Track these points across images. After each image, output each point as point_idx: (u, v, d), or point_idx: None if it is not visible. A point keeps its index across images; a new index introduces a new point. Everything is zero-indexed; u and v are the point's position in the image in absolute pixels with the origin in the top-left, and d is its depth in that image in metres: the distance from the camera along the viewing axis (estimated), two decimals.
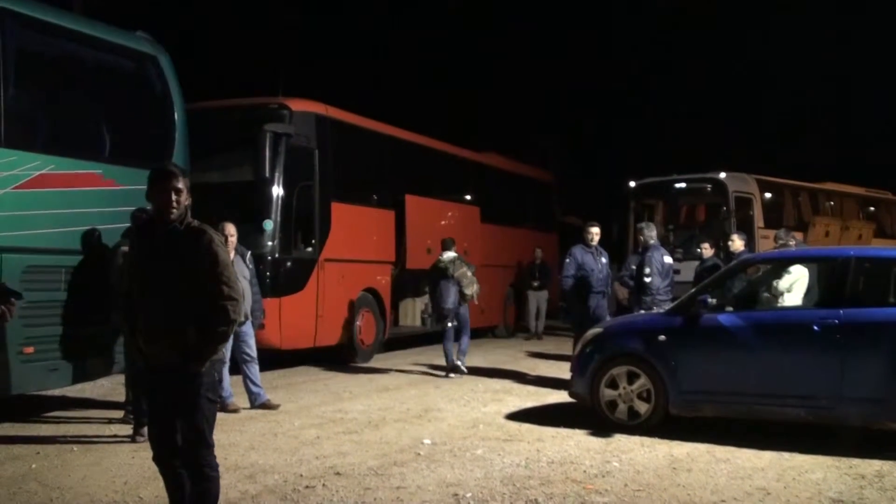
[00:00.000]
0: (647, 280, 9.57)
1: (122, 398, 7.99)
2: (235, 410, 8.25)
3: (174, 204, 3.95)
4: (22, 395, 7.72)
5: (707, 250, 12.09)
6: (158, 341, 3.98)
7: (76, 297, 7.64)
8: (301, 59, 22.83)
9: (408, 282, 14.48)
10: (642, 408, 7.49)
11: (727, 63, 30.77)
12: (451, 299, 11.19)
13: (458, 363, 11.34)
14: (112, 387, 9.51)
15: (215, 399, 4.15)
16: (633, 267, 10.51)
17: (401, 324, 14.81)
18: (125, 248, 7.32)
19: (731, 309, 7.63)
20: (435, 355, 13.76)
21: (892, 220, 21.75)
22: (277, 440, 7.10)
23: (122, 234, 7.66)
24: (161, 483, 5.67)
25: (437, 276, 11.31)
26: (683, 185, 17.61)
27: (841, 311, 6.85)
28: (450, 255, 11.34)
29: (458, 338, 11.50)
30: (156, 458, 4.15)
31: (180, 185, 3.97)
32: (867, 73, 30.14)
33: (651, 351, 7.50)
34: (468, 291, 11.28)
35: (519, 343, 16.30)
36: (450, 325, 11.36)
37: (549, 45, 30.98)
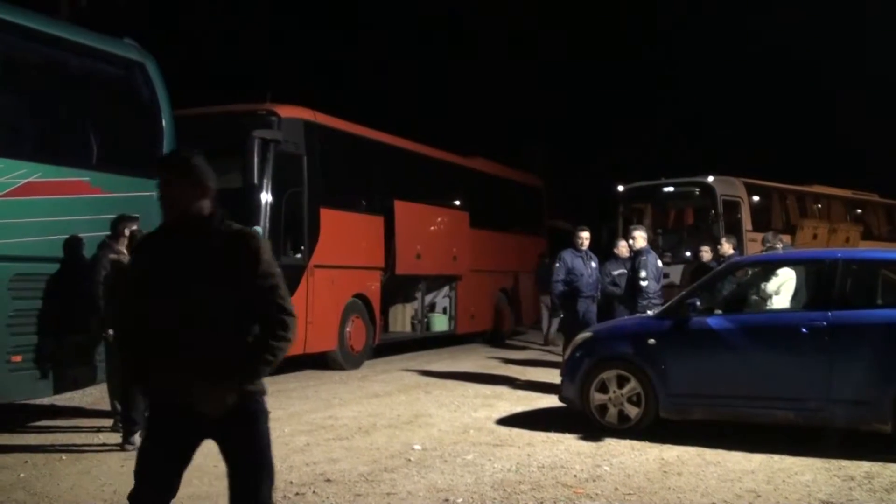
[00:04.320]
0: (644, 284, 9.55)
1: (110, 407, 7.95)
2: None
3: (167, 201, 3.33)
4: (10, 403, 7.67)
5: (707, 254, 12.12)
6: (189, 374, 3.18)
7: (64, 306, 7.59)
8: (289, 65, 22.83)
9: (397, 287, 14.47)
10: (632, 411, 7.50)
11: (716, 65, 30.90)
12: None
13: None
14: (101, 395, 9.44)
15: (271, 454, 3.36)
16: (615, 273, 10.50)
17: (391, 330, 14.80)
18: (113, 256, 7.29)
19: (719, 312, 7.67)
20: (426, 361, 13.76)
21: (880, 222, 21.88)
22: None
23: (99, 245, 7.60)
24: None
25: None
26: (672, 188, 17.70)
27: (829, 314, 6.88)
28: None
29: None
30: None
31: (171, 176, 3.32)
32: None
33: (641, 354, 7.51)
34: None
35: (509, 348, 16.29)
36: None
37: (537, 49, 31.01)
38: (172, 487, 3.27)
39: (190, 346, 3.20)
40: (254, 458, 3.28)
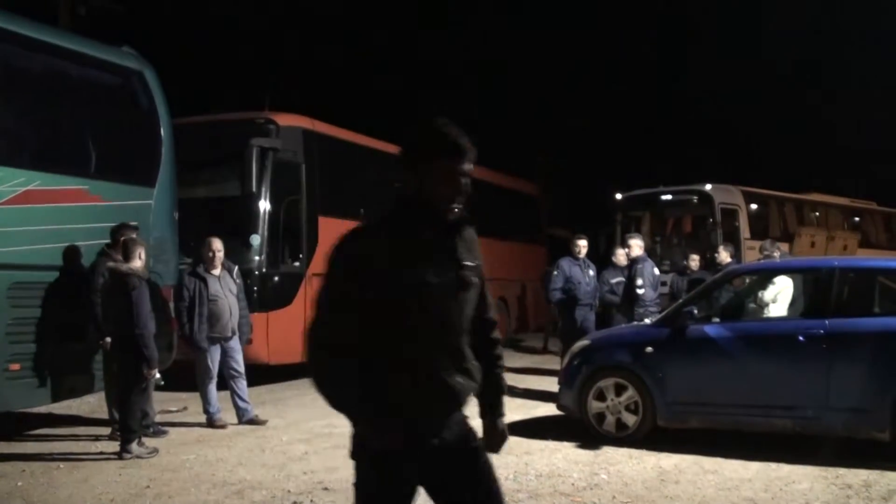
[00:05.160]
0: (640, 292, 9.57)
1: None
2: (223, 426, 8.22)
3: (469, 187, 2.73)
4: (7, 412, 7.67)
5: (694, 262, 12.14)
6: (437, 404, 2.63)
7: (62, 314, 7.60)
8: (287, 73, 22.90)
9: None
10: (630, 420, 7.50)
11: (712, 73, 31.02)
12: None
13: None
14: (99, 404, 9.44)
15: None
16: (613, 281, 10.50)
17: None
18: (111, 265, 7.30)
19: (717, 320, 7.68)
20: None
21: (877, 230, 21.90)
22: (265, 456, 7.07)
23: (98, 253, 7.61)
24: (148, 500, 5.67)
25: None
26: (670, 196, 17.72)
27: (826, 322, 6.89)
28: None
29: None
30: None
31: (472, 158, 2.71)
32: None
33: (638, 363, 7.51)
34: None
35: (506, 356, 16.24)
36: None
37: (536, 59, 31.14)
38: None
39: (439, 367, 2.59)
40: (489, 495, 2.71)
